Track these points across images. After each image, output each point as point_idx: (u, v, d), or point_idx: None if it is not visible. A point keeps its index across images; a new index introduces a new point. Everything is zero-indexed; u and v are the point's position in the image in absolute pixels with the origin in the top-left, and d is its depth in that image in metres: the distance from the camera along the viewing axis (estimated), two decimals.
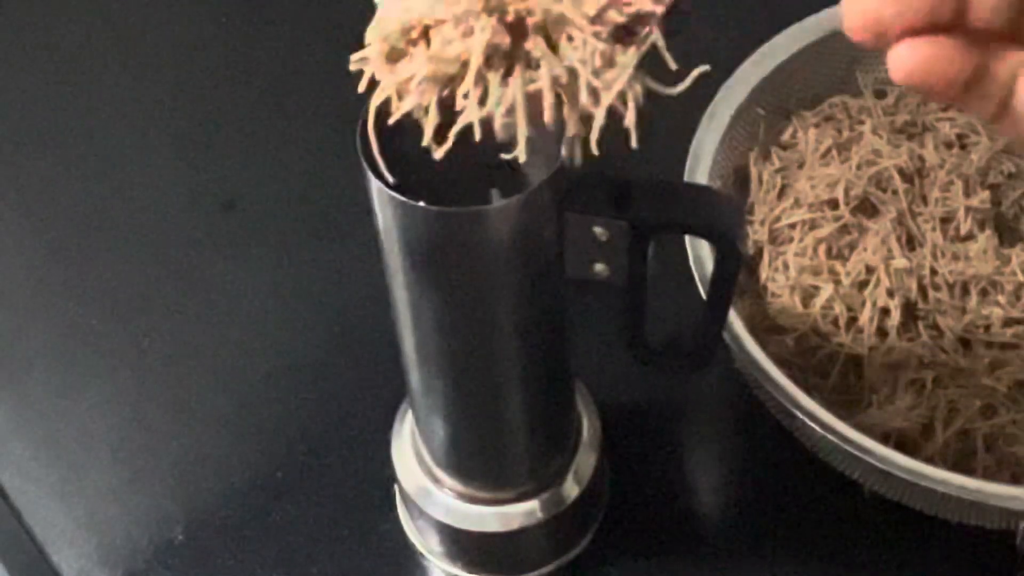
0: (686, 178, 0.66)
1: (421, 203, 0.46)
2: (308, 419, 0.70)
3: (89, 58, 0.89)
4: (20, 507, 0.68)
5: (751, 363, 0.60)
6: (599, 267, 0.50)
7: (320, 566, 0.65)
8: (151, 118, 0.85)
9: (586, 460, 0.63)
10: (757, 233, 0.68)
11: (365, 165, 0.46)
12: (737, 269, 0.52)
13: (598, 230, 0.49)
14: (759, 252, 0.68)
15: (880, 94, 0.72)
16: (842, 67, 0.71)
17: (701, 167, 0.66)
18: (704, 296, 0.60)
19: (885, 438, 0.61)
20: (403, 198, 0.46)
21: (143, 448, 0.70)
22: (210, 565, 0.65)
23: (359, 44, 0.92)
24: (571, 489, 0.62)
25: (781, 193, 0.69)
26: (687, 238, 0.62)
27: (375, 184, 0.47)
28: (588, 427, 0.63)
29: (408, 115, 0.42)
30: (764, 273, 0.67)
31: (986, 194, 0.66)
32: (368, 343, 0.72)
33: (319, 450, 0.69)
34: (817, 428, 0.58)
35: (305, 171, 0.81)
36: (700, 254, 0.62)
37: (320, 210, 0.79)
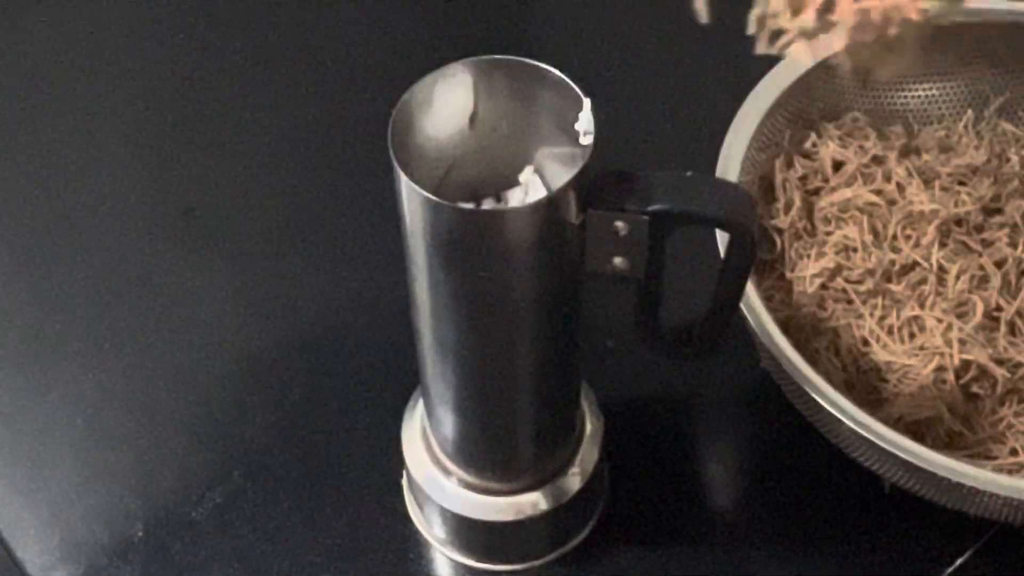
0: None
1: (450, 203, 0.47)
2: (281, 412, 0.71)
3: (49, 65, 0.88)
4: None
5: (784, 360, 0.60)
6: (618, 260, 0.51)
7: (325, 552, 0.66)
8: (111, 125, 0.85)
9: (589, 454, 0.63)
10: (783, 228, 0.69)
11: (395, 163, 0.47)
12: (751, 256, 0.52)
13: (619, 224, 0.49)
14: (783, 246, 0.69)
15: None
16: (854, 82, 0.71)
17: (730, 173, 0.66)
18: None
19: (907, 428, 0.61)
20: (434, 197, 0.47)
21: (104, 448, 0.70)
22: (168, 560, 0.66)
23: (319, 54, 0.90)
24: (574, 481, 0.63)
25: (806, 205, 0.69)
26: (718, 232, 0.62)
27: (404, 181, 0.47)
28: (591, 423, 0.64)
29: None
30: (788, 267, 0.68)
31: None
32: (323, 344, 0.73)
33: (322, 441, 0.70)
34: (845, 420, 0.57)
35: (263, 178, 0.82)
36: None
37: (277, 216, 0.80)
